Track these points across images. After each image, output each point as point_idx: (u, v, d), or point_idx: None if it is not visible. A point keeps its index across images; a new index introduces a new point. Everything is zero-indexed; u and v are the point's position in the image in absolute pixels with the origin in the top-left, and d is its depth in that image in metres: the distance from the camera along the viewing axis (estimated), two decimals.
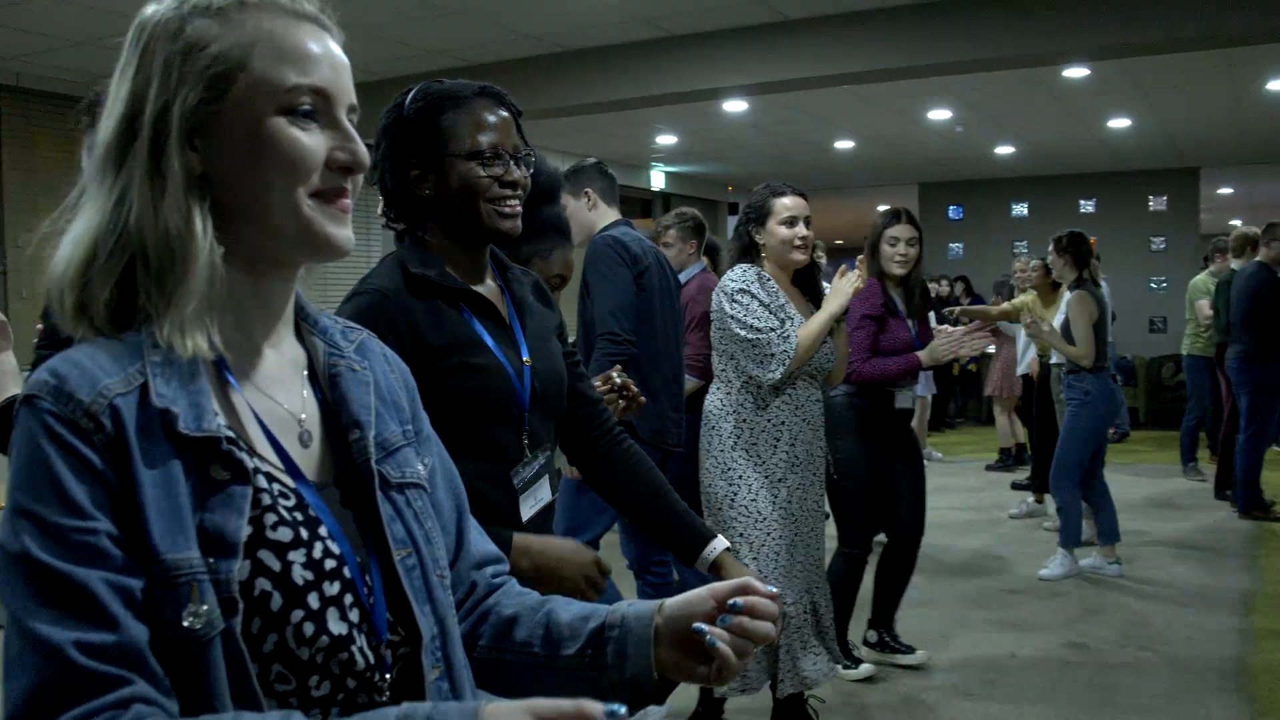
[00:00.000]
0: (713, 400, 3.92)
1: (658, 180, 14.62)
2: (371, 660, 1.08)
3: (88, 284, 1.02)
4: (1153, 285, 14.45)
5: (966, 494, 9.17)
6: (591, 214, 4.35)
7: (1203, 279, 9.31)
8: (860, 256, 4.16)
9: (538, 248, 2.55)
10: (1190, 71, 8.91)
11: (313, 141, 1.06)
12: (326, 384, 1.18)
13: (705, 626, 1.18)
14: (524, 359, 2.02)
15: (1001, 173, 14.96)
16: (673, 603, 1.24)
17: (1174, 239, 14.51)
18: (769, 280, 3.81)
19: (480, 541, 1.36)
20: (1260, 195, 18.04)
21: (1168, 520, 7.99)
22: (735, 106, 10.03)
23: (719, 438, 3.85)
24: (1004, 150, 13.14)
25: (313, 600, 1.02)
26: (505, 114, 1.98)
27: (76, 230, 1.04)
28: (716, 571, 2.17)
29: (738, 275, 3.82)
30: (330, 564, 1.05)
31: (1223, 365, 8.38)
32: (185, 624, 0.94)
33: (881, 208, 4.88)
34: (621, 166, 13.33)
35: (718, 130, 11.53)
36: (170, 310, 1.01)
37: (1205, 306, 8.99)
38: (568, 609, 1.30)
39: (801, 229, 3.84)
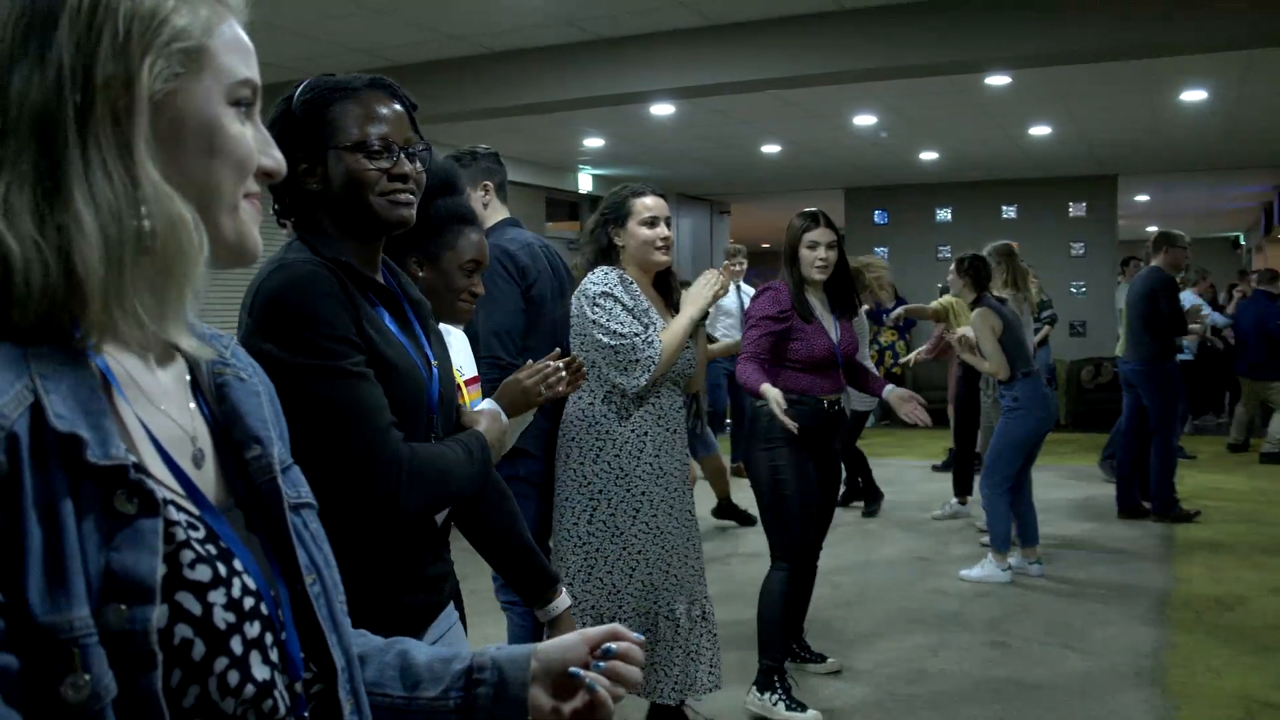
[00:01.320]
0: (572, 410, 3.71)
1: (585, 183, 14.60)
2: (289, 703, 0.98)
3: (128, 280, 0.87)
4: (1073, 290, 14.70)
5: (892, 495, 9.25)
6: (484, 210, 4.02)
7: None
8: (726, 264, 4.04)
9: (443, 240, 2.51)
10: (1109, 81, 9.09)
11: (252, 141, 0.99)
12: (213, 396, 1.07)
13: (582, 671, 1.22)
14: (431, 360, 1.97)
15: (926, 178, 15.15)
16: (546, 647, 1.26)
17: (1093, 245, 14.79)
18: (631, 283, 3.68)
19: None
20: (1174, 203, 18.47)
21: (1088, 521, 8.12)
22: (662, 110, 10.05)
23: (578, 449, 3.66)
24: (928, 156, 13.30)
25: (236, 645, 0.92)
26: (397, 107, 1.92)
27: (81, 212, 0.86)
28: (552, 627, 2.23)
29: (599, 278, 3.66)
30: (249, 602, 0.94)
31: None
32: (64, 697, 0.80)
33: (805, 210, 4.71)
34: (548, 169, 13.31)
35: (645, 133, 11.54)
36: (165, 309, 0.89)
37: None
38: (420, 650, 1.28)
39: (663, 229, 3.69)
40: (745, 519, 8.03)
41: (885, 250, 15.90)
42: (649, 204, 3.70)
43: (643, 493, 3.65)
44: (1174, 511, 7.99)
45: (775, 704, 4.36)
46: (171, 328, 0.90)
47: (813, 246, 4.48)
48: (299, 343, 1.73)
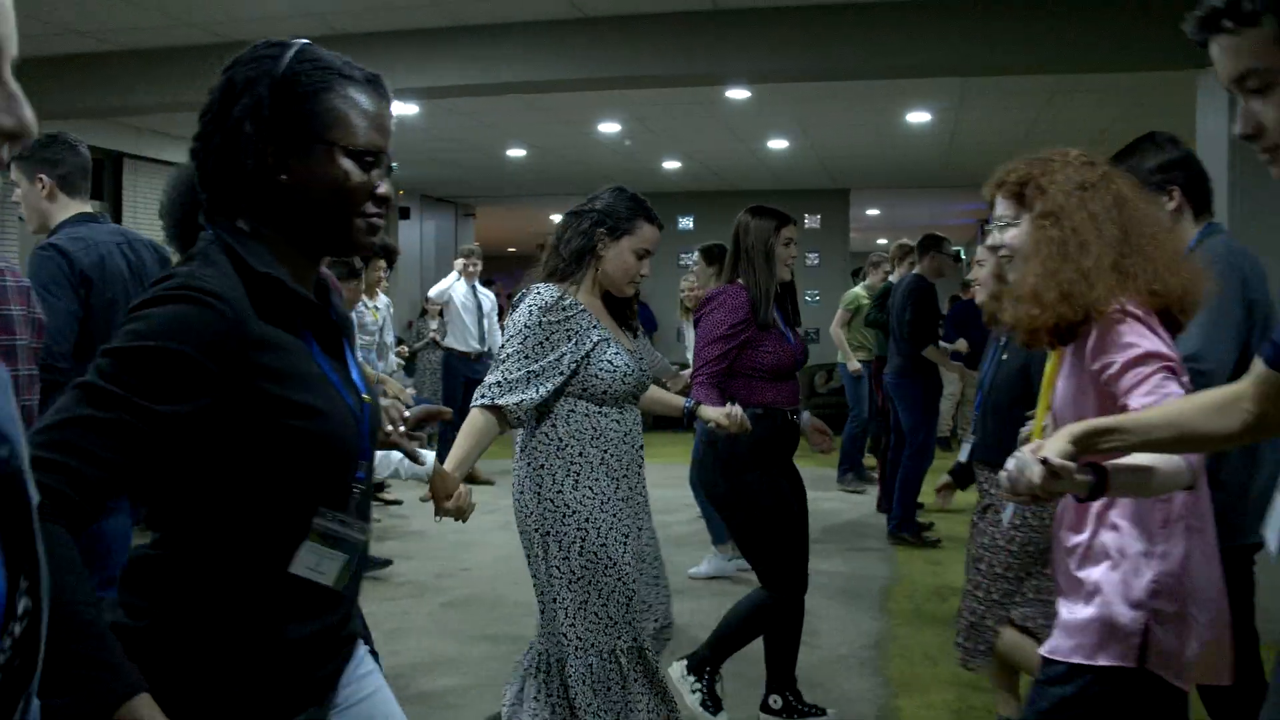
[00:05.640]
0: (531, 435, 3.26)
1: None
2: None
3: None
4: (808, 298, 15.28)
5: None
6: (47, 205, 3.59)
7: (857, 292, 9.78)
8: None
9: None
10: (842, 100, 9.50)
11: None
12: None
13: None
14: (364, 395, 1.68)
15: (669, 186, 15.46)
16: None
17: (826, 255, 15.46)
18: (571, 311, 3.20)
19: None
20: (901, 217, 19.50)
21: (816, 518, 8.39)
22: (406, 109, 9.91)
23: (551, 478, 3.20)
24: (671, 165, 13.58)
25: None
26: (390, 113, 1.65)
27: None
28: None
29: (539, 299, 3.21)
30: None
31: (879, 377, 8.56)
32: None
33: (765, 209, 4.43)
34: None
35: None
36: None
37: (837, 326, 9.56)
38: None
39: (646, 266, 3.36)
40: None
41: None
42: (649, 235, 3.36)
43: (617, 513, 3.25)
44: (911, 532, 7.63)
45: (694, 690, 4.13)
46: None
47: (788, 244, 4.23)
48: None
